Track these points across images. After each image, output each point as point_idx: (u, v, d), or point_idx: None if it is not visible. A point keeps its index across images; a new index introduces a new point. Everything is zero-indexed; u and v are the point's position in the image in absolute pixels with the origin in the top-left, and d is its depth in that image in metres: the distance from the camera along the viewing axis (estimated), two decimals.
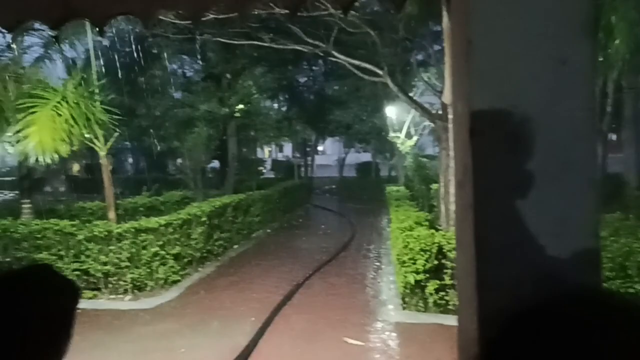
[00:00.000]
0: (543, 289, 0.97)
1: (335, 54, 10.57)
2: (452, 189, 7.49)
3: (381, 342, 5.73)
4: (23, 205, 9.36)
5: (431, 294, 6.34)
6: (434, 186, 12.37)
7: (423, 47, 13.09)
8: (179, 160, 18.27)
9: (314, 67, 23.02)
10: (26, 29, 7.85)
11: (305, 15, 9.23)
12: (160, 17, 1.71)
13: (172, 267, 7.95)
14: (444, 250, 6.31)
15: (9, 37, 7.84)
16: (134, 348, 5.64)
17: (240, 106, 16.25)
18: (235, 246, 11.01)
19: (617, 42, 7.95)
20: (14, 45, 8.48)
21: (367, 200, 18.82)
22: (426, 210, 10.57)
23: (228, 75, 15.44)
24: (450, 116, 7.20)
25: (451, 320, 6.00)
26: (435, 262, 6.29)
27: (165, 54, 14.55)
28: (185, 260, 8.43)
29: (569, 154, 0.99)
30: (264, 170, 23.49)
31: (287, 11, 1.58)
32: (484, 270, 0.98)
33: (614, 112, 12.84)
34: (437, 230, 7.08)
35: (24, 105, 7.62)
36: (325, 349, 5.49)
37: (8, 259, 7.46)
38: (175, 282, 7.98)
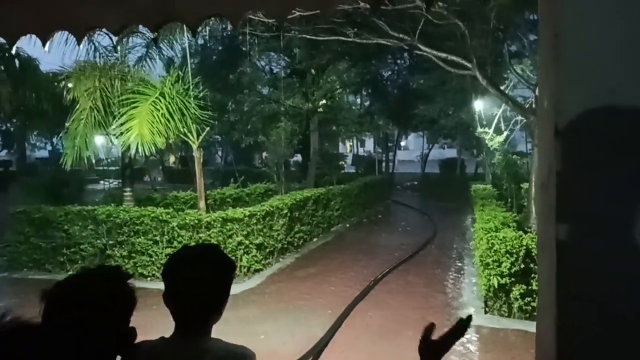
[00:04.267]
0: (634, 305, 0.90)
1: (421, 46, 10.30)
2: None
3: (460, 345, 5.55)
4: (125, 193, 10.20)
5: (516, 299, 6.02)
6: (524, 185, 11.69)
7: (517, 37, 12.34)
8: (264, 154, 18.95)
9: (398, 61, 22.65)
10: (129, 32, 8.53)
11: (391, 8, 9.10)
12: (248, 17, 1.78)
13: (255, 256, 8.30)
14: (532, 254, 5.96)
15: (115, 39, 8.59)
16: (218, 330, 5.96)
17: (324, 101, 16.45)
18: (315, 239, 11.22)
19: None
20: (118, 47, 9.26)
21: (451, 198, 18.23)
22: (515, 211, 10.02)
23: (312, 71, 15.68)
24: None
25: None
26: (522, 265, 5.97)
27: (253, 52, 15.12)
28: (267, 250, 8.75)
29: None
30: (344, 165, 23.61)
31: (368, 6, 1.57)
32: (565, 278, 0.93)
33: None
34: (525, 232, 6.70)
35: (127, 101, 8.35)
36: (401, 347, 5.43)
37: (111, 242, 8.22)
38: (257, 270, 8.32)
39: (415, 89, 21.73)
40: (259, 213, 8.52)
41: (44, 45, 1.97)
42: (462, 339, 5.62)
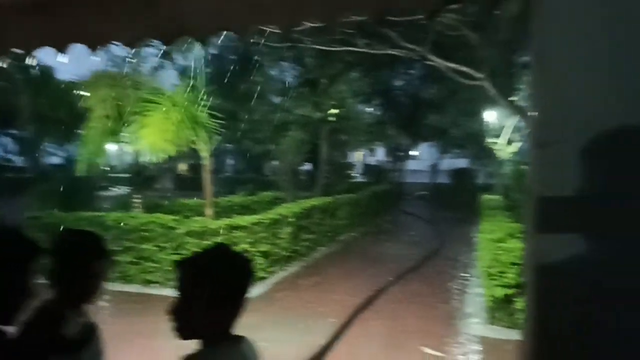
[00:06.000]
0: (609, 310, 0.94)
1: (431, 57, 10.34)
2: None
3: (463, 355, 5.54)
4: (134, 200, 10.34)
5: (521, 310, 5.99)
6: None
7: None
8: (274, 162, 19.07)
9: (410, 71, 22.67)
10: (144, 45, 8.71)
11: (402, 19, 9.15)
12: (256, 29, 1.86)
13: (260, 264, 8.31)
14: None
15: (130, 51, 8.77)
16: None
17: (334, 110, 16.54)
18: (321, 248, 11.24)
19: None
20: (132, 58, 9.45)
21: (461, 209, 18.15)
22: (524, 222, 9.95)
23: (323, 81, 15.80)
24: None
25: None
26: None
27: (265, 61, 15.28)
28: (273, 258, 8.78)
29: None
30: (354, 174, 23.62)
31: (371, 19, 1.64)
32: (543, 285, 0.97)
33: None
34: None
35: (140, 109, 8.49)
36: (402, 357, 5.44)
37: (119, 248, 8.28)
38: (262, 278, 8.34)
39: (426, 99, 21.75)
40: (264, 221, 8.57)
41: (59, 56, 2.07)
42: (465, 349, 5.61)
